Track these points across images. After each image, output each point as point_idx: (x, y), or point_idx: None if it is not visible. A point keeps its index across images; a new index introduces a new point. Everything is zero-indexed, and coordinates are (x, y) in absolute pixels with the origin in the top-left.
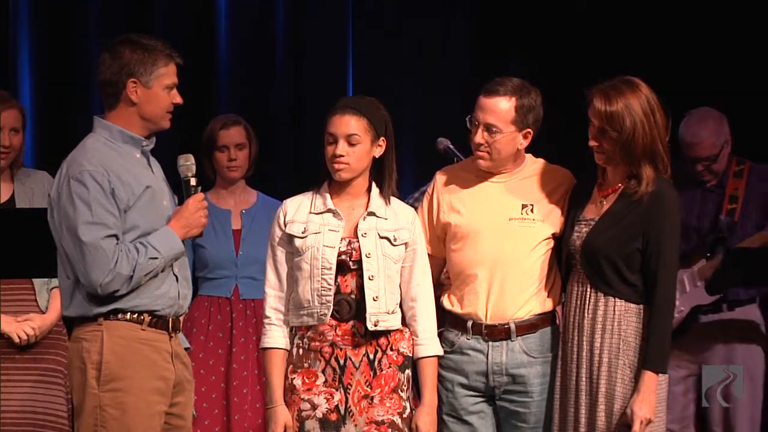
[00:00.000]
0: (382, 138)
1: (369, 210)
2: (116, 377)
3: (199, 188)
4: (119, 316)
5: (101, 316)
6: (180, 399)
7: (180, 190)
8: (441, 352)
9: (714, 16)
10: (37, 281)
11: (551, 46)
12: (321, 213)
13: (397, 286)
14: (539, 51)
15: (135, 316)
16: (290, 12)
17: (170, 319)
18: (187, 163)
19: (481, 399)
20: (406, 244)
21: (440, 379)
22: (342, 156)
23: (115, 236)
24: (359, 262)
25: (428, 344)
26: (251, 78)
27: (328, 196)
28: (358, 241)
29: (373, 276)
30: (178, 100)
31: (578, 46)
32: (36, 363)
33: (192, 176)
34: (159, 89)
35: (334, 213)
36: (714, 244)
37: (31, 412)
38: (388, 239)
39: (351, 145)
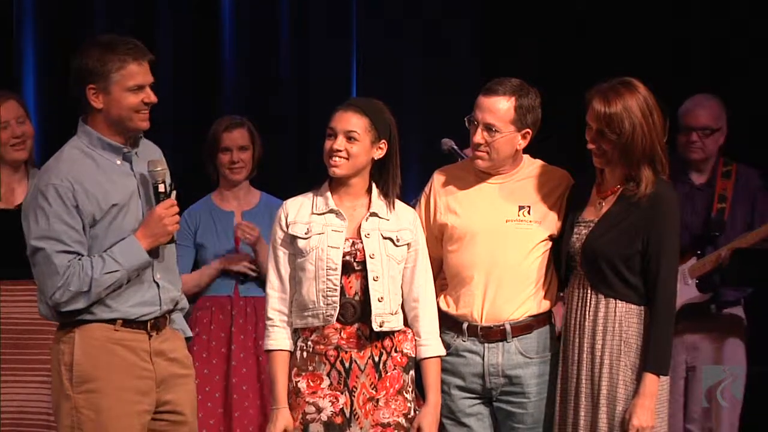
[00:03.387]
0: (383, 141)
1: (371, 211)
2: (89, 378)
3: (171, 193)
4: (92, 320)
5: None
6: (170, 396)
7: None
8: (444, 353)
9: (713, 16)
10: None
11: (554, 46)
12: (323, 213)
13: (399, 287)
14: (542, 51)
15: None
16: (294, 12)
17: (149, 322)
18: (156, 170)
19: (479, 401)
20: (408, 244)
21: None
22: (339, 151)
23: (71, 252)
24: (363, 263)
25: (431, 345)
26: (256, 78)
27: (329, 196)
28: (361, 242)
29: (377, 277)
30: (150, 99)
31: (579, 47)
32: (42, 364)
33: (160, 182)
34: (120, 92)
35: (337, 213)
36: (705, 242)
37: (35, 413)
38: (391, 240)
39: (350, 141)
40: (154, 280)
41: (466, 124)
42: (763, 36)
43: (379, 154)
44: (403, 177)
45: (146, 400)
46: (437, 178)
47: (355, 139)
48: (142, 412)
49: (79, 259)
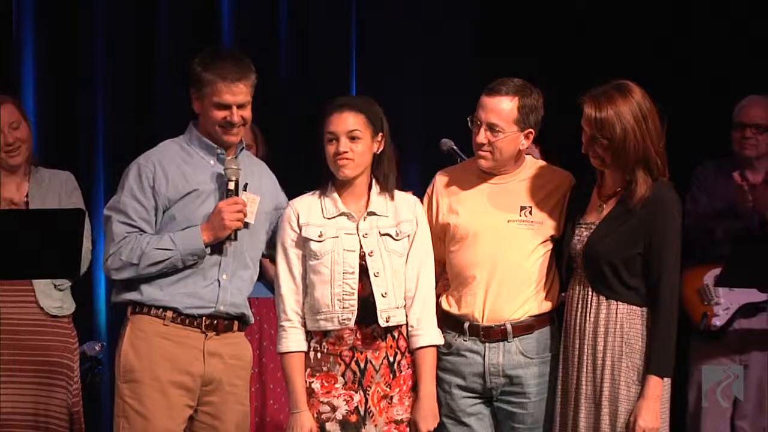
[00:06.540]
0: (380, 134)
1: (369, 210)
2: (133, 368)
3: (241, 192)
4: (144, 310)
5: (130, 306)
6: (213, 398)
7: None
8: (439, 342)
9: (712, 17)
10: (38, 283)
11: (554, 46)
12: (334, 217)
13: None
14: (542, 51)
15: (158, 311)
16: (294, 12)
17: (203, 319)
18: (230, 167)
19: (479, 400)
20: (409, 236)
21: (438, 380)
22: (345, 152)
23: (132, 226)
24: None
25: (423, 334)
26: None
27: (337, 198)
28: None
29: (378, 273)
30: (231, 118)
31: (579, 47)
32: (40, 365)
33: (232, 180)
34: (208, 104)
35: (348, 216)
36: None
37: (32, 414)
38: (390, 235)
39: (353, 141)
40: (218, 279)
41: (469, 124)
42: (764, 37)
43: (378, 147)
44: (402, 177)
45: (189, 395)
46: (439, 178)
47: (357, 138)
48: (185, 407)
49: (140, 234)
